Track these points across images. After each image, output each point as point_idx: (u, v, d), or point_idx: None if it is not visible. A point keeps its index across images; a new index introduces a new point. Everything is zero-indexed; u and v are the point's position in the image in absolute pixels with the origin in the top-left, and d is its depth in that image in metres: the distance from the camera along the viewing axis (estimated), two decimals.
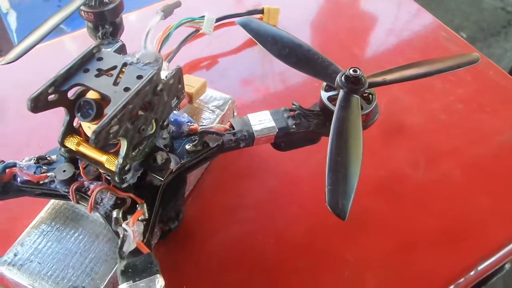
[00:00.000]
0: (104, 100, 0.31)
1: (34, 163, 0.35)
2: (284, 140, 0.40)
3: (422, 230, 0.43)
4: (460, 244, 0.42)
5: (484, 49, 1.66)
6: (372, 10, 0.69)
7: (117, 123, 0.29)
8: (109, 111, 0.29)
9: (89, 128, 0.32)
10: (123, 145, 0.31)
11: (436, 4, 1.84)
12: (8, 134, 0.51)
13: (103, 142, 0.29)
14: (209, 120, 0.44)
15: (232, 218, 0.44)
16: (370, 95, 0.39)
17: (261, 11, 0.60)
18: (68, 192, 0.34)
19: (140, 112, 0.32)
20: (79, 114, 0.31)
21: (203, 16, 0.55)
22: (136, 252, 0.31)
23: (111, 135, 0.29)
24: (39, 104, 0.30)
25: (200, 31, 0.56)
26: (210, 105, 0.45)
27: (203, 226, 0.43)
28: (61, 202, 0.38)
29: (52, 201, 0.38)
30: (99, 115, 0.30)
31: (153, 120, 0.33)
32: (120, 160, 0.31)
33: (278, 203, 0.45)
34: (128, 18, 0.62)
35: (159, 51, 0.50)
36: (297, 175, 0.47)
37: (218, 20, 0.57)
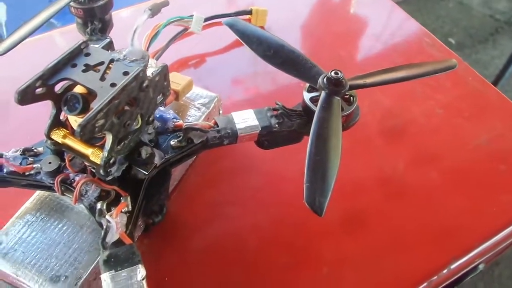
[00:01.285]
0: (90, 95, 0.31)
1: (20, 154, 0.36)
2: (267, 138, 0.41)
3: (399, 230, 0.44)
4: (435, 244, 0.44)
5: (472, 55, 1.69)
6: (359, 16, 0.70)
7: (103, 117, 0.30)
8: (95, 105, 0.30)
9: (75, 121, 0.33)
10: (108, 138, 0.32)
11: (427, 10, 1.86)
12: None
13: (89, 135, 0.29)
14: (194, 117, 0.45)
15: (215, 214, 0.45)
16: (351, 97, 0.41)
17: (249, 12, 0.61)
18: (53, 183, 0.35)
19: (126, 107, 0.32)
20: (65, 108, 0.32)
21: (192, 15, 0.56)
22: (118, 243, 0.32)
23: (97, 129, 0.30)
24: (26, 96, 0.31)
25: (189, 30, 0.57)
26: (196, 103, 0.46)
27: (186, 221, 0.44)
28: (47, 193, 0.39)
29: (38, 192, 0.39)
30: (85, 109, 0.31)
31: (138, 116, 0.34)
32: (105, 154, 0.32)
33: (261, 201, 0.46)
34: (119, 15, 0.63)
35: (148, 48, 0.51)
36: (281, 174, 0.48)
37: (206, 19, 0.58)
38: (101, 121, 0.30)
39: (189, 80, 0.45)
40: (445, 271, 0.42)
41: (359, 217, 0.45)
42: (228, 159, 0.48)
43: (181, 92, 0.43)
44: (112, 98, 0.30)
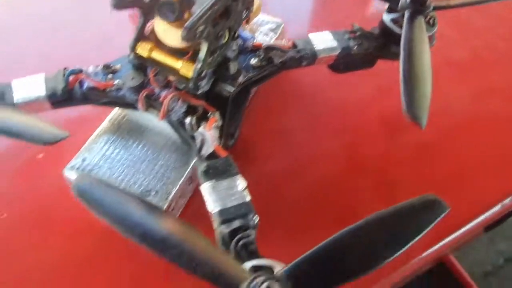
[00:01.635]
0: (182, 2, 0.30)
1: (101, 70, 0.35)
2: (343, 61, 0.40)
3: (468, 157, 0.45)
4: (504, 171, 0.44)
5: None
6: None
7: (203, 23, 0.29)
8: (197, 10, 0.29)
9: (164, 31, 0.32)
10: (203, 48, 0.31)
11: None
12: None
13: (192, 40, 0.29)
14: (263, 42, 0.43)
15: (284, 140, 0.44)
16: (431, 19, 0.40)
17: None
18: (137, 99, 0.34)
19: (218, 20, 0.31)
20: (160, 15, 0.30)
21: None
22: (212, 156, 0.32)
23: (197, 35, 0.29)
24: (120, 1, 0.29)
25: None
26: (263, 28, 0.45)
27: (256, 146, 0.43)
28: (123, 113, 0.38)
29: (113, 112, 0.38)
30: (179, 17, 0.30)
31: (226, 30, 0.33)
32: (199, 65, 0.31)
33: (330, 127, 0.46)
34: None
35: None
36: (347, 100, 0.47)
37: None
38: (201, 27, 0.29)
39: (259, 2, 0.43)
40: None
41: (431, 145, 0.45)
42: (292, 86, 0.47)
43: (252, 14, 0.42)
44: (212, 3, 0.29)
